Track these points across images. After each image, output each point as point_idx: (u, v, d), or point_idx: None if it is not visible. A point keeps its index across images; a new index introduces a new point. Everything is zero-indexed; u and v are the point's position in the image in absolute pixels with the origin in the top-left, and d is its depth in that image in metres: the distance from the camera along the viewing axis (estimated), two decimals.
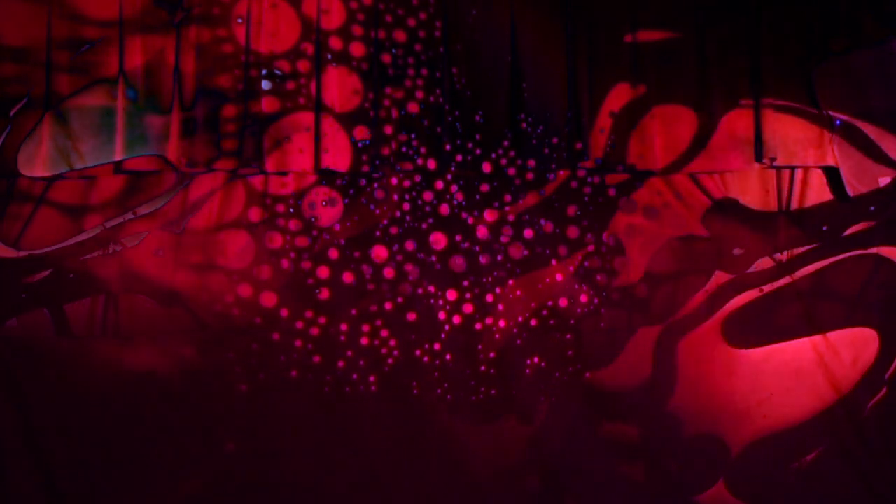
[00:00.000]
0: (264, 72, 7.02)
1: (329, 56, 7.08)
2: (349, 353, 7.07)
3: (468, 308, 7.18)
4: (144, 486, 6.91)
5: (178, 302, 6.99)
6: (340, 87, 7.10)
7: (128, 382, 6.92)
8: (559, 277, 7.28)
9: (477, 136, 7.19)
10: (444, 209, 7.21)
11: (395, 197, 7.17)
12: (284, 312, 7.03)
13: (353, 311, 7.10)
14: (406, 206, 7.18)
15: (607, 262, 7.31)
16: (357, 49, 7.12)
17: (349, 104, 7.11)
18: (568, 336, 7.25)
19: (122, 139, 6.89)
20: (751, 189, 7.44)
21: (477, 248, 7.22)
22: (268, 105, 7.02)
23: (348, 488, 7.02)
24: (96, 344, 6.94)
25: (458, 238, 7.20)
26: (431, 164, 7.15)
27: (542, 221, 7.29)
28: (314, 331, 7.05)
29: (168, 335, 6.98)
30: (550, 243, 7.29)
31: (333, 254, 7.11)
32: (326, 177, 7.10)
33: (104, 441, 6.87)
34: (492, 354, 7.20)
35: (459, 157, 7.17)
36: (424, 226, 7.19)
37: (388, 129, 7.13)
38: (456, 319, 7.17)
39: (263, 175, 7.06)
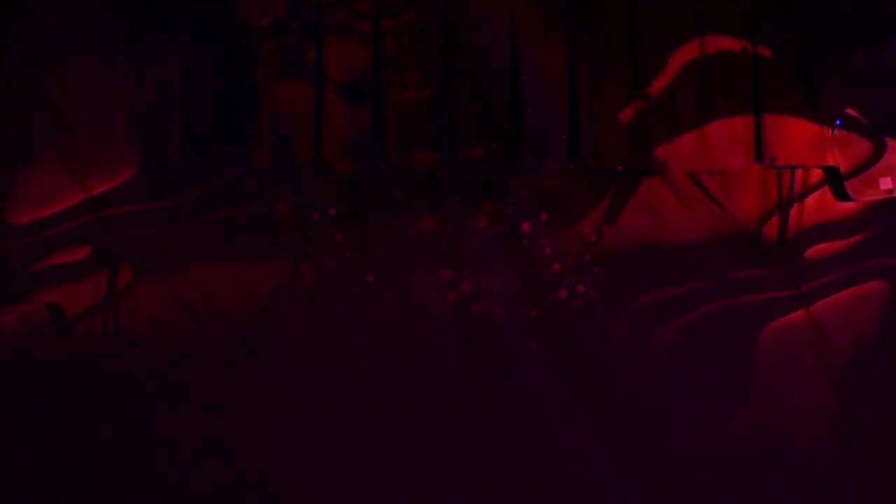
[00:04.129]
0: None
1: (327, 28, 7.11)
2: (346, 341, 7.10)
3: (465, 297, 7.20)
4: (144, 486, 6.94)
5: (177, 299, 7.02)
6: (341, 61, 7.10)
7: (128, 382, 6.95)
8: (556, 268, 7.28)
9: (475, 129, 7.19)
10: (441, 199, 7.23)
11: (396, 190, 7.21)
12: (281, 306, 7.06)
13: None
14: (401, 196, 7.19)
15: (605, 255, 7.33)
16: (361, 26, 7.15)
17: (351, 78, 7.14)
18: (567, 324, 7.26)
19: None
20: (751, 189, 7.44)
21: (474, 238, 7.23)
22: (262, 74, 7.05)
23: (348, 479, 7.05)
24: (97, 343, 6.95)
25: (454, 229, 7.22)
26: (430, 156, 7.16)
27: (542, 216, 7.29)
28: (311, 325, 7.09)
29: (168, 333, 7.01)
30: (549, 236, 7.29)
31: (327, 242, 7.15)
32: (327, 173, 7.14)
33: (104, 441, 6.90)
34: (489, 339, 7.21)
35: (458, 149, 7.18)
36: (421, 216, 7.20)
37: (388, 117, 7.14)
38: (452, 301, 7.19)
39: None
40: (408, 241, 7.22)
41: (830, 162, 7.34)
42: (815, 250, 7.42)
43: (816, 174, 7.41)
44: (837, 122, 7.32)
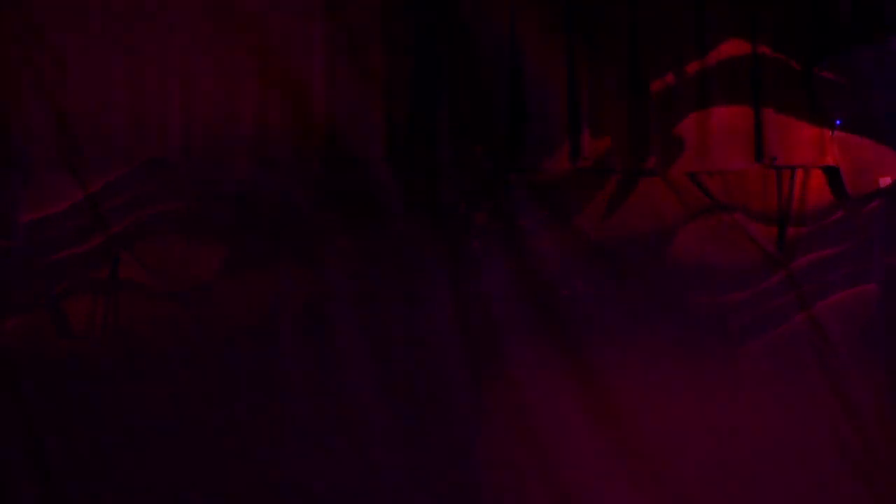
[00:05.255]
0: None
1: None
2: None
3: (465, 296, 7.20)
4: (144, 486, 6.93)
5: (177, 299, 7.02)
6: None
7: (128, 382, 6.94)
8: (557, 266, 7.28)
9: (475, 128, 7.19)
10: (441, 199, 7.23)
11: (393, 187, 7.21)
12: (283, 307, 7.06)
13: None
14: (401, 196, 7.19)
15: (605, 254, 7.32)
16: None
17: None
18: (567, 322, 7.25)
19: None
20: (751, 189, 7.44)
21: (474, 237, 7.23)
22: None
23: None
24: (97, 343, 6.94)
25: (454, 228, 7.22)
26: (429, 156, 7.16)
27: (542, 214, 7.29)
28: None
29: (168, 333, 7.00)
30: (549, 235, 7.29)
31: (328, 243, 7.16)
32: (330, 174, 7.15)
33: (104, 441, 6.88)
34: (489, 338, 7.21)
35: (458, 149, 7.17)
36: (421, 216, 7.20)
37: (388, 117, 7.14)
38: (452, 300, 7.19)
39: None
40: (408, 241, 7.21)
41: (830, 162, 7.35)
42: (816, 250, 7.42)
43: (816, 174, 7.42)
44: (837, 122, 7.32)
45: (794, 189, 7.41)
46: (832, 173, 7.39)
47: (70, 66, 6.91)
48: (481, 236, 7.26)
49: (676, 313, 7.37)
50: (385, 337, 7.14)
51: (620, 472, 7.24)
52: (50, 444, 6.84)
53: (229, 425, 6.96)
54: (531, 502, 7.18)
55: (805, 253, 7.42)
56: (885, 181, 7.37)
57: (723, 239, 7.41)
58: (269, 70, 7.04)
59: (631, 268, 7.36)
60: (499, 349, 7.22)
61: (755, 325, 7.39)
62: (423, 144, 7.14)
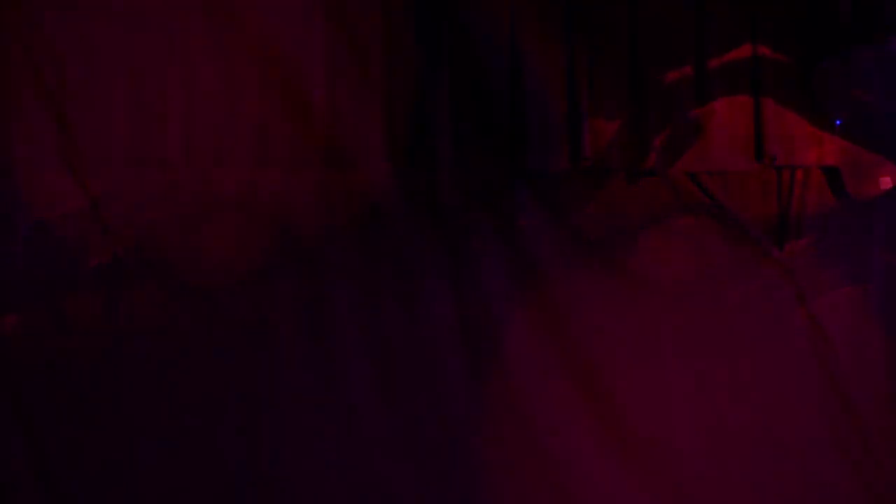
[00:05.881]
0: None
1: None
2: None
3: (465, 296, 7.20)
4: (145, 485, 6.93)
5: (177, 299, 7.02)
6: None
7: (129, 381, 6.94)
8: (556, 267, 7.29)
9: (475, 129, 7.19)
10: (440, 199, 7.23)
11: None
12: (282, 308, 7.07)
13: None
14: (401, 195, 7.20)
15: (604, 255, 7.33)
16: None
17: None
18: (566, 322, 7.26)
19: None
20: (751, 189, 7.44)
21: (474, 238, 7.23)
22: None
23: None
24: (97, 343, 6.95)
25: (454, 229, 7.22)
26: (429, 156, 7.17)
27: (542, 215, 7.30)
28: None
29: (168, 333, 7.00)
30: (549, 235, 7.30)
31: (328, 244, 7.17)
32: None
33: (105, 441, 6.89)
34: (488, 338, 7.23)
35: (457, 150, 7.17)
36: (420, 216, 7.21)
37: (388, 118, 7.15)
38: (448, 305, 7.18)
39: None
40: (408, 242, 7.21)
41: (830, 162, 7.36)
42: (816, 250, 7.43)
43: (816, 174, 7.42)
44: (837, 122, 7.33)
45: (794, 189, 7.41)
46: (832, 173, 7.39)
47: (70, 66, 6.91)
48: (481, 236, 7.26)
49: (676, 312, 7.37)
50: (385, 337, 7.14)
51: (621, 472, 7.24)
52: (50, 444, 6.85)
53: (228, 425, 6.97)
54: (531, 502, 7.18)
55: (805, 253, 7.43)
56: (885, 181, 7.38)
57: (722, 239, 7.41)
58: (269, 70, 7.04)
59: (631, 267, 7.37)
60: (499, 349, 7.22)
61: (754, 324, 7.39)
62: (423, 144, 7.15)
